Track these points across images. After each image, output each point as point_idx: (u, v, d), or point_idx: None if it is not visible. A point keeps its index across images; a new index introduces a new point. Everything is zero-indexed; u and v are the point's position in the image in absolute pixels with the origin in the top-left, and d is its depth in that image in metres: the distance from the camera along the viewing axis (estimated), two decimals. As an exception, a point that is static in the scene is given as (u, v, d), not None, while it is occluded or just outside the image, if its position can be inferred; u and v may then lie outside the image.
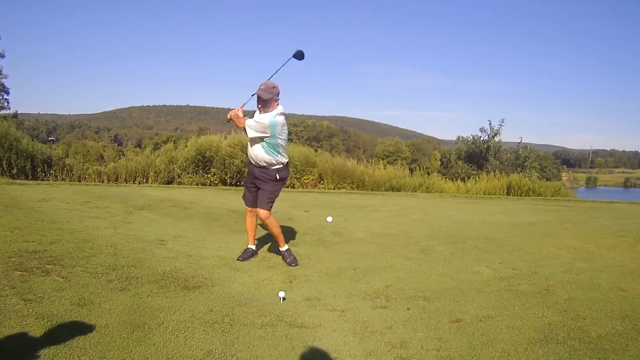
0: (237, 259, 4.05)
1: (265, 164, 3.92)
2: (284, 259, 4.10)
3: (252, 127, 3.81)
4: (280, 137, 3.86)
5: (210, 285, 3.24)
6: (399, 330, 2.62)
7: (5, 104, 27.75)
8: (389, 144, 64.72)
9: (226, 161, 13.09)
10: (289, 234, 5.08)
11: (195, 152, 13.30)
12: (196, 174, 13.13)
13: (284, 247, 4.14)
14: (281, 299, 3.03)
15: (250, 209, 4.15)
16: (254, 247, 4.25)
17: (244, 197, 4.22)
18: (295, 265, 3.97)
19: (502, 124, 28.05)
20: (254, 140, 3.89)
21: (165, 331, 2.43)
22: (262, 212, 3.95)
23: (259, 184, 4.01)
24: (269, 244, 4.62)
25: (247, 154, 4.09)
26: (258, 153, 3.90)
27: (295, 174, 12.93)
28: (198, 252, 4.18)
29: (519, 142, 28.82)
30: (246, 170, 4.25)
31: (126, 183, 12.77)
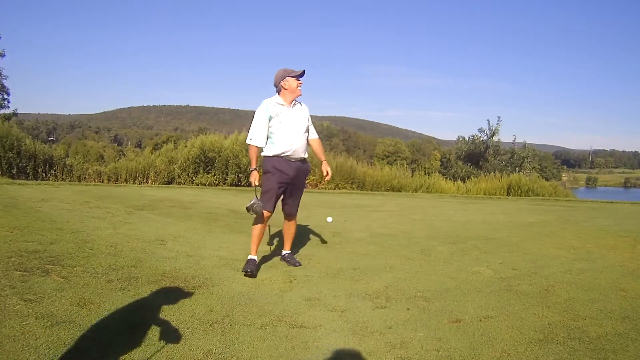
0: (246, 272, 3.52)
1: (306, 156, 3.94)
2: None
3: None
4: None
5: (210, 286, 3.24)
6: (399, 330, 2.62)
7: (6, 103, 27.74)
8: (389, 144, 64.77)
9: (230, 161, 13.04)
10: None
11: (198, 151, 13.27)
12: (196, 174, 13.10)
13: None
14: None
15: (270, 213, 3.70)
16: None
17: (273, 204, 3.69)
18: (298, 265, 3.91)
19: (500, 122, 28.09)
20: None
21: (166, 331, 2.43)
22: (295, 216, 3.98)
23: (298, 183, 3.89)
24: (270, 245, 4.62)
25: (282, 150, 3.80)
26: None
27: None
28: (198, 253, 4.18)
29: (513, 141, 28.87)
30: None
31: (126, 183, 12.78)
